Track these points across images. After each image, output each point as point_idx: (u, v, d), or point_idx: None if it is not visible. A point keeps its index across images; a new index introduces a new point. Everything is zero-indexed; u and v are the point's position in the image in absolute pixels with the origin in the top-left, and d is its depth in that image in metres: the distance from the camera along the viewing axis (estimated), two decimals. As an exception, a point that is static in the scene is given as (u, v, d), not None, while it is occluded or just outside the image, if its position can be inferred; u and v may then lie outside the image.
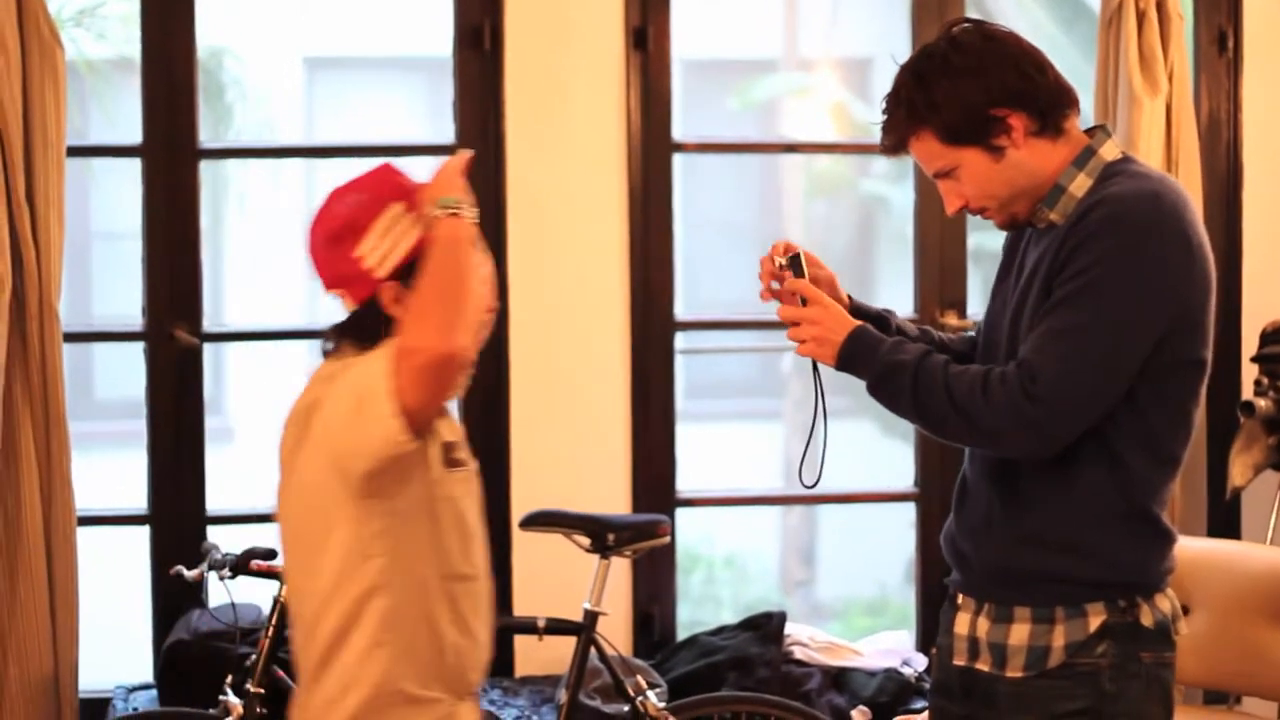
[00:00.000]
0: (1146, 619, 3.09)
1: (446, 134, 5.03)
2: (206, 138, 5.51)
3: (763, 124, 13.34)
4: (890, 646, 5.03)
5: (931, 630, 5.12)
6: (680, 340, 5.14)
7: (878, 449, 9.29)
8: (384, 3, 12.45)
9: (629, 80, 4.97)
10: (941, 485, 5.18)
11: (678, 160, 5.14)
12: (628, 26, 4.95)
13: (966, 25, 3.13)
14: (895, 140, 3.16)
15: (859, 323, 3.17)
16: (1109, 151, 3.13)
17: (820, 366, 3.23)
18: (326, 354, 3.14)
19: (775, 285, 3.25)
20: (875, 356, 3.12)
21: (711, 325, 7.58)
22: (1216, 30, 5.24)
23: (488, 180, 4.93)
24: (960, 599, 3.26)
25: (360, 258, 3.03)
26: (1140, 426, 3.05)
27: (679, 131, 5.12)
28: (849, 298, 3.35)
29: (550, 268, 4.98)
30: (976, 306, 5.35)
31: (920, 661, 4.92)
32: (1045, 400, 2.96)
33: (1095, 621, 3.07)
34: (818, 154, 12.01)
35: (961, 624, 3.23)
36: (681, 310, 5.25)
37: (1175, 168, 4.97)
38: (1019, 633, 3.12)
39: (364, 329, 3.07)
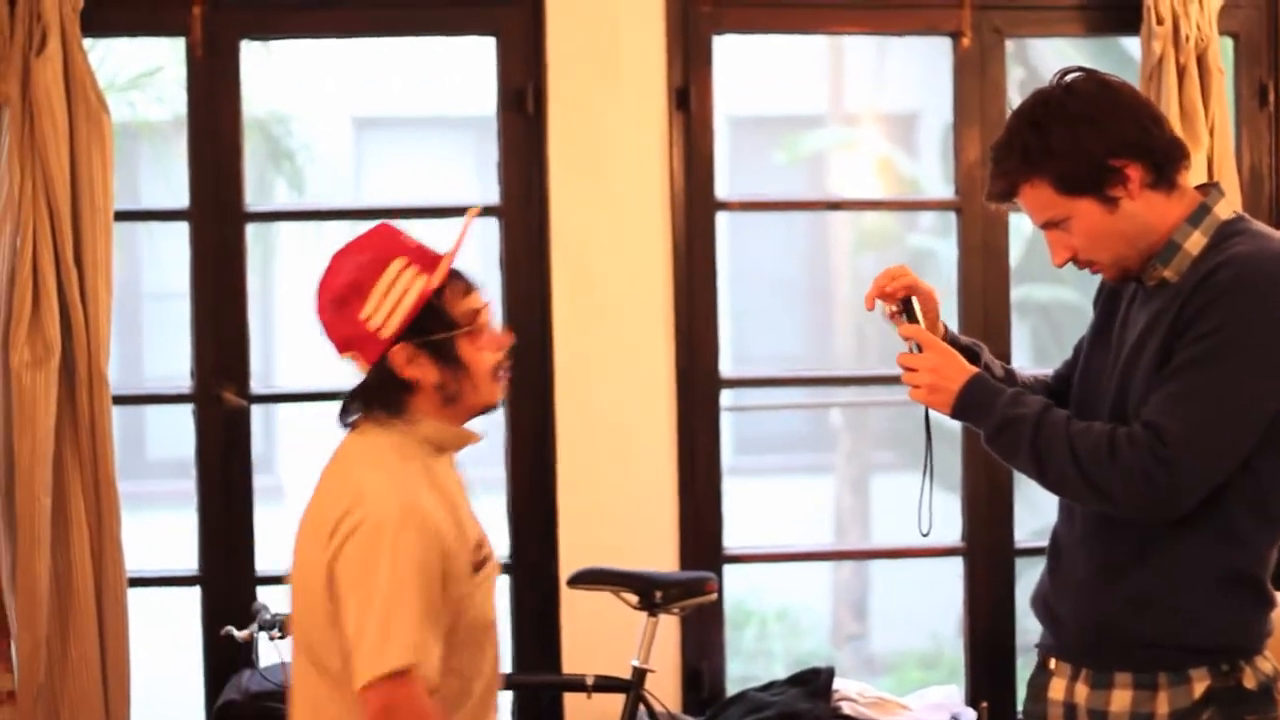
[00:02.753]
0: (1249, 681, 3.02)
1: (492, 195, 5.06)
2: (268, 200, 5.53)
3: (810, 178, 13.41)
4: (939, 700, 5.00)
5: (981, 684, 5.12)
6: (727, 397, 5.14)
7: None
8: (431, 64, 12.55)
9: (671, 140, 4.97)
10: (987, 540, 5.17)
11: (725, 216, 5.15)
12: (670, 87, 4.96)
13: (1080, 74, 3.06)
14: (1005, 186, 3.08)
15: (976, 370, 3.12)
16: (1224, 210, 3.07)
17: (933, 414, 3.20)
18: (346, 424, 3.13)
19: (886, 306, 3.23)
20: (994, 408, 3.06)
21: (756, 382, 7.53)
22: (1257, 84, 5.22)
23: (532, 241, 4.97)
24: (1053, 664, 3.19)
25: (366, 319, 3.03)
26: (1253, 490, 2.99)
27: (725, 186, 5.12)
28: (944, 327, 3.30)
29: (595, 327, 4.99)
30: (1021, 359, 5.35)
31: (969, 715, 4.90)
32: (1174, 464, 2.89)
33: (1200, 687, 3.01)
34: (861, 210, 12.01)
35: (1056, 689, 3.17)
36: (730, 366, 5.25)
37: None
38: (1120, 699, 3.06)
39: (381, 395, 3.08)
